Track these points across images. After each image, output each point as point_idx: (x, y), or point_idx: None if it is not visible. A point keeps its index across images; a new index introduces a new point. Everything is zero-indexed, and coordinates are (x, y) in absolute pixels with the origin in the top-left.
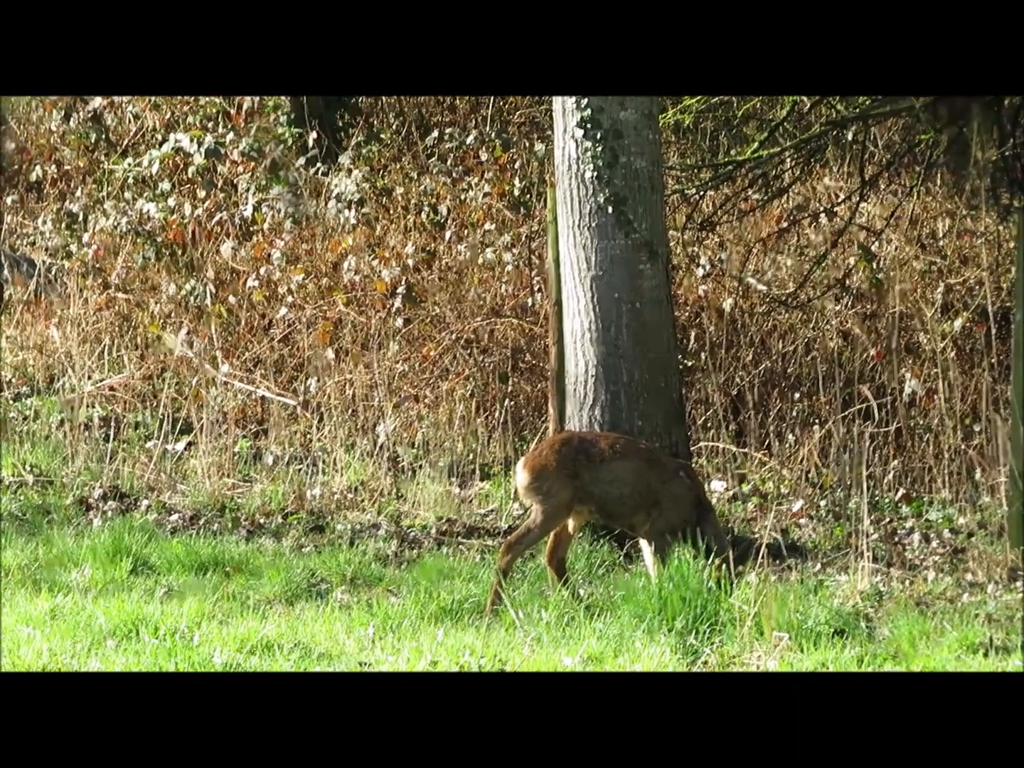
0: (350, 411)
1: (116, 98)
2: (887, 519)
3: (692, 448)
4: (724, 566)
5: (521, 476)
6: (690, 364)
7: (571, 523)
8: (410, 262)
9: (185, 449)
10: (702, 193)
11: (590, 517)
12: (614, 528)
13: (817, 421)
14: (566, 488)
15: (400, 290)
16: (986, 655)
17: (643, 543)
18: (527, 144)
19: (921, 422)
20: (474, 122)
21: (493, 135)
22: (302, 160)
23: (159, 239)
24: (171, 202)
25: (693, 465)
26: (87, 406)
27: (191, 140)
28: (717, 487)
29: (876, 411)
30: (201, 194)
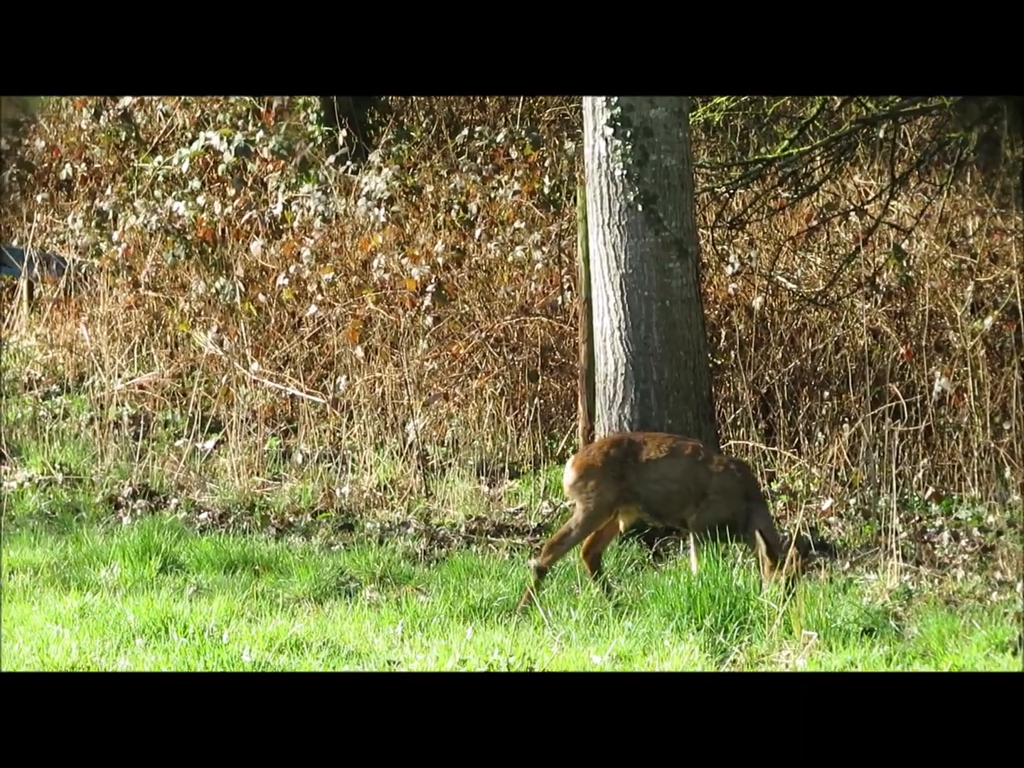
0: (379, 409)
1: (146, 96)
2: (916, 517)
3: (721, 446)
4: (794, 563)
5: (568, 474)
6: (719, 362)
7: (621, 522)
8: (440, 260)
9: (214, 447)
10: (732, 191)
11: (639, 515)
12: (663, 525)
13: (846, 419)
14: (610, 489)
15: (430, 288)
16: (1015, 653)
17: (691, 538)
18: (557, 142)
19: (951, 420)
20: (504, 120)
21: (523, 133)
22: (332, 158)
23: (189, 237)
24: (201, 200)
25: None
26: (116, 404)
27: (221, 138)
28: None
29: (905, 409)
30: (231, 192)
